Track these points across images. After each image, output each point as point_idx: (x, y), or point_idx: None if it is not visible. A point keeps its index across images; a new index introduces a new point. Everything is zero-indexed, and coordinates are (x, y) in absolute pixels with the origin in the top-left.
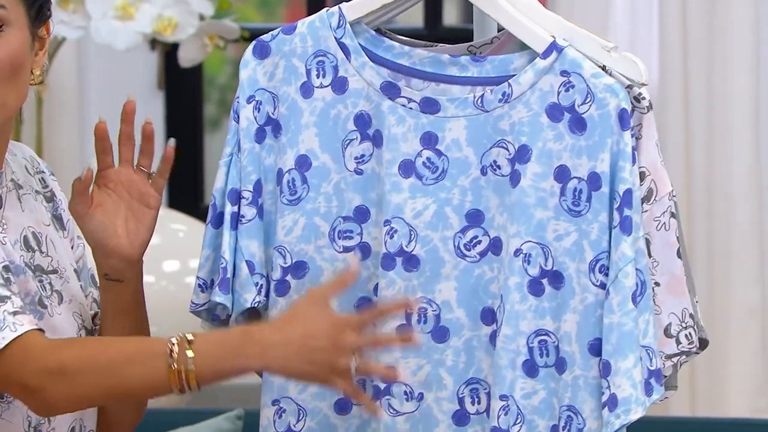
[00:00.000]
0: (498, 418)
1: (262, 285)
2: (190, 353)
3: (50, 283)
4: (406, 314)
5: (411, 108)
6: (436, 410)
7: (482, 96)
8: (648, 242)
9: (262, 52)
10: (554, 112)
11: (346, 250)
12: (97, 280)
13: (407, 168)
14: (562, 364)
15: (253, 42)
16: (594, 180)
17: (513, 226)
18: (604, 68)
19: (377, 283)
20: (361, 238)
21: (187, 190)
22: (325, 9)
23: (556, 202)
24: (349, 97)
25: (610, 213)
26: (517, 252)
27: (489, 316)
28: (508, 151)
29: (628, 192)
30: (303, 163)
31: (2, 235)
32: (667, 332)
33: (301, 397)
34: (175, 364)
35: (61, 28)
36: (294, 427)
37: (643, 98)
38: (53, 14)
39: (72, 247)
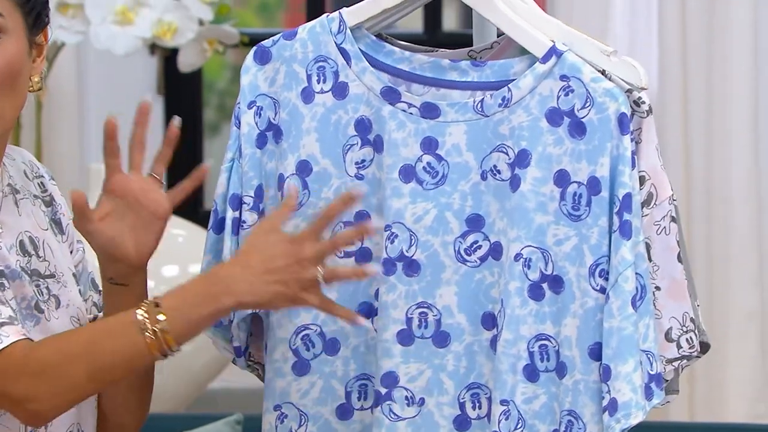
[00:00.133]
0: (499, 422)
1: None
2: (161, 316)
3: (47, 288)
4: (407, 317)
5: (411, 113)
6: (437, 415)
7: (482, 101)
8: (648, 246)
9: (263, 58)
10: (554, 116)
11: (347, 255)
12: (98, 283)
13: (407, 173)
14: (562, 369)
15: (254, 47)
16: (594, 184)
17: (513, 231)
18: (603, 72)
19: (378, 289)
20: (362, 243)
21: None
22: (325, 14)
23: (556, 206)
24: (349, 102)
25: (609, 217)
26: (518, 257)
27: (490, 320)
28: (508, 155)
29: (628, 196)
30: (304, 168)
31: None
32: (668, 336)
33: (303, 402)
34: (149, 330)
35: (60, 33)
36: None
37: (643, 102)
38: (52, 19)
39: (71, 252)
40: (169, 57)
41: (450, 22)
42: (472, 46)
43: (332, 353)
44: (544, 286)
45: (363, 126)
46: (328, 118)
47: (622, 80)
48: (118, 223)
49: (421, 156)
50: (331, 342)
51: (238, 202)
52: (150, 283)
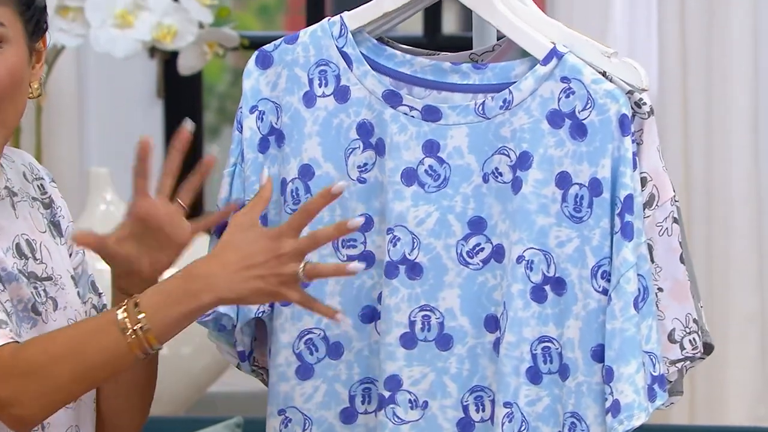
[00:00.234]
0: (502, 425)
1: None
2: (141, 315)
3: (44, 290)
4: (410, 320)
5: (413, 116)
6: (440, 418)
7: (483, 103)
8: (651, 248)
9: (265, 62)
10: (555, 118)
11: (350, 259)
12: (98, 286)
13: (409, 176)
14: (565, 371)
15: (256, 52)
16: (595, 186)
17: (515, 233)
18: (604, 74)
19: (381, 292)
20: (365, 247)
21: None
22: (326, 18)
23: (558, 208)
24: (351, 105)
25: (611, 219)
26: (520, 259)
27: (492, 323)
28: (509, 158)
29: (629, 197)
30: (306, 172)
31: None
32: (671, 338)
33: (307, 406)
34: (129, 330)
35: (60, 36)
36: None
37: (644, 104)
38: (52, 22)
39: (70, 255)
40: (168, 60)
41: (450, 25)
42: (472, 49)
43: (336, 357)
44: (547, 288)
45: (365, 129)
46: (329, 121)
47: (623, 81)
48: (136, 244)
49: (423, 159)
50: (334, 346)
51: (240, 207)
52: None
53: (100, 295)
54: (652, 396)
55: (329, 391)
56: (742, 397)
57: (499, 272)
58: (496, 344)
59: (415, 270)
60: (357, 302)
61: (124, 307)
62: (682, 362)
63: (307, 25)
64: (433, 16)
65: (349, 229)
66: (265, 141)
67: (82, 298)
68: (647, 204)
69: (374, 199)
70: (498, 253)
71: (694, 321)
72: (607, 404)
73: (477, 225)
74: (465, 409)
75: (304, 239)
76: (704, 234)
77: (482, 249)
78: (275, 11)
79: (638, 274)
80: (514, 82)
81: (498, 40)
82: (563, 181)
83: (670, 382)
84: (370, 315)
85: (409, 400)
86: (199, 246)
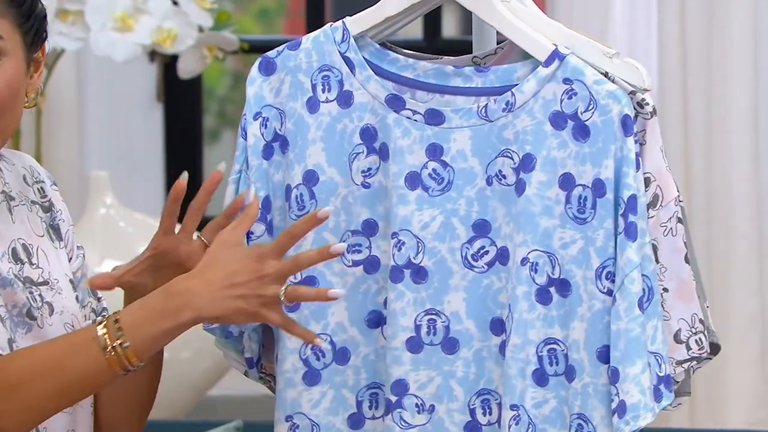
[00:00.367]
0: (509, 428)
1: None
2: (120, 332)
3: (40, 295)
4: (415, 324)
5: (416, 120)
6: (447, 422)
7: (486, 106)
8: (655, 248)
9: (268, 69)
10: (557, 120)
11: (356, 264)
12: (97, 290)
13: (413, 180)
14: (571, 372)
15: (259, 58)
16: (598, 187)
17: (519, 235)
18: (606, 75)
19: (386, 297)
20: (370, 252)
21: (186, 203)
22: (329, 24)
23: (562, 209)
24: (354, 110)
25: (615, 219)
26: (524, 261)
27: (498, 326)
28: (512, 160)
29: (633, 198)
30: (310, 178)
31: None
32: (677, 338)
33: (314, 412)
34: (109, 347)
35: (60, 40)
36: None
37: (647, 104)
38: (52, 26)
39: (70, 259)
40: (168, 64)
41: (449, 28)
42: (471, 52)
43: (342, 362)
44: (552, 289)
45: (368, 134)
46: (333, 127)
47: (625, 82)
48: (152, 274)
49: (427, 163)
50: (341, 351)
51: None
52: None
53: (99, 299)
54: (658, 396)
55: (336, 397)
56: (743, 399)
57: (504, 275)
58: (502, 347)
59: (420, 274)
60: (363, 307)
61: (104, 323)
62: (689, 362)
63: (307, 29)
64: (432, 19)
65: (331, 255)
66: (270, 147)
67: (81, 303)
68: (651, 204)
69: (378, 203)
70: (502, 256)
71: (700, 321)
72: (613, 405)
73: (481, 228)
74: (472, 412)
75: (287, 261)
76: (704, 235)
77: (487, 252)
78: (275, 15)
79: (643, 275)
80: (517, 85)
81: (498, 43)
82: (566, 182)
83: (677, 382)
84: (377, 320)
85: (416, 404)
86: None
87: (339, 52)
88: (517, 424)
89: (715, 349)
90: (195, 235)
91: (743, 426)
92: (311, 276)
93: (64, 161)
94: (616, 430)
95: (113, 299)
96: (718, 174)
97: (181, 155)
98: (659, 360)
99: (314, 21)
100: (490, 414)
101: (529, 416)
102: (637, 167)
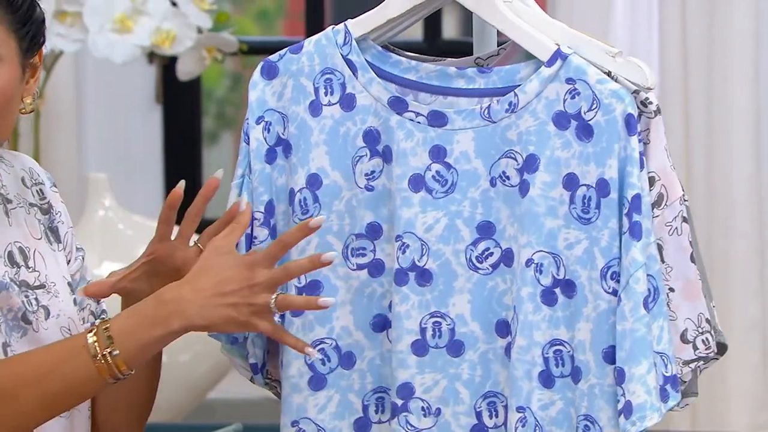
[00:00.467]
0: (516, 430)
1: None
2: (110, 340)
3: (36, 299)
4: (421, 327)
5: (419, 122)
6: (454, 425)
7: (489, 107)
8: (661, 247)
9: (270, 73)
10: (561, 120)
11: (360, 267)
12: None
13: (417, 182)
14: (577, 374)
15: (261, 63)
16: (602, 186)
17: (524, 237)
18: (609, 74)
19: (391, 300)
20: (375, 255)
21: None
22: (330, 27)
23: (566, 210)
24: (357, 113)
25: (619, 219)
26: (529, 262)
27: (504, 328)
28: (516, 161)
29: (637, 197)
30: (314, 181)
31: None
32: (683, 338)
33: (320, 417)
34: (99, 355)
35: (58, 42)
36: None
37: (650, 103)
38: (50, 27)
39: (68, 261)
40: (167, 65)
41: (450, 30)
42: (472, 53)
43: (348, 367)
44: (557, 290)
45: (371, 137)
46: (336, 130)
47: (628, 81)
48: (148, 279)
49: (430, 165)
50: (346, 355)
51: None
52: None
53: (98, 301)
54: (664, 396)
55: (342, 402)
56: (745, 402)
57: (509, 276)
58: (508, 349)
59: (424, 276)
60: (368, 311)
61: (94, 330)
62: (696, 362)
63: (306, 30)
64: (433, 21)
65: (322, 263)
66: (273, 151)
67: (79, 305)
68: (656, 203)
69: (382, 206)
70: (507, 257)
71: (707, 321)
72: (620, 406)
73: (485, 229)
74: (478, 415)
75: (278, 270)
76: (705, 236)
77: (491, 253)
78: (274, 16)
79: (648, 274)
80: (520, 85)
81: (499, 45)
82: (570, 182)
83: (684, 382)
84: (382, 323)
85: (422, 407)
86: None
87: (341, 54)
88: (523, 426)
89: (722, 349)
90: (192, 241)
91: (745, 429)
92: (316, 280)
93: (62, 163)
94: (623, 430)
95: (114, 300)
96: (719, 174)
97: (180, 157)
98: (665, 360)
99: (313, 22)
100: (497, 416)
101: (535, 418)
102: (641, 166)
